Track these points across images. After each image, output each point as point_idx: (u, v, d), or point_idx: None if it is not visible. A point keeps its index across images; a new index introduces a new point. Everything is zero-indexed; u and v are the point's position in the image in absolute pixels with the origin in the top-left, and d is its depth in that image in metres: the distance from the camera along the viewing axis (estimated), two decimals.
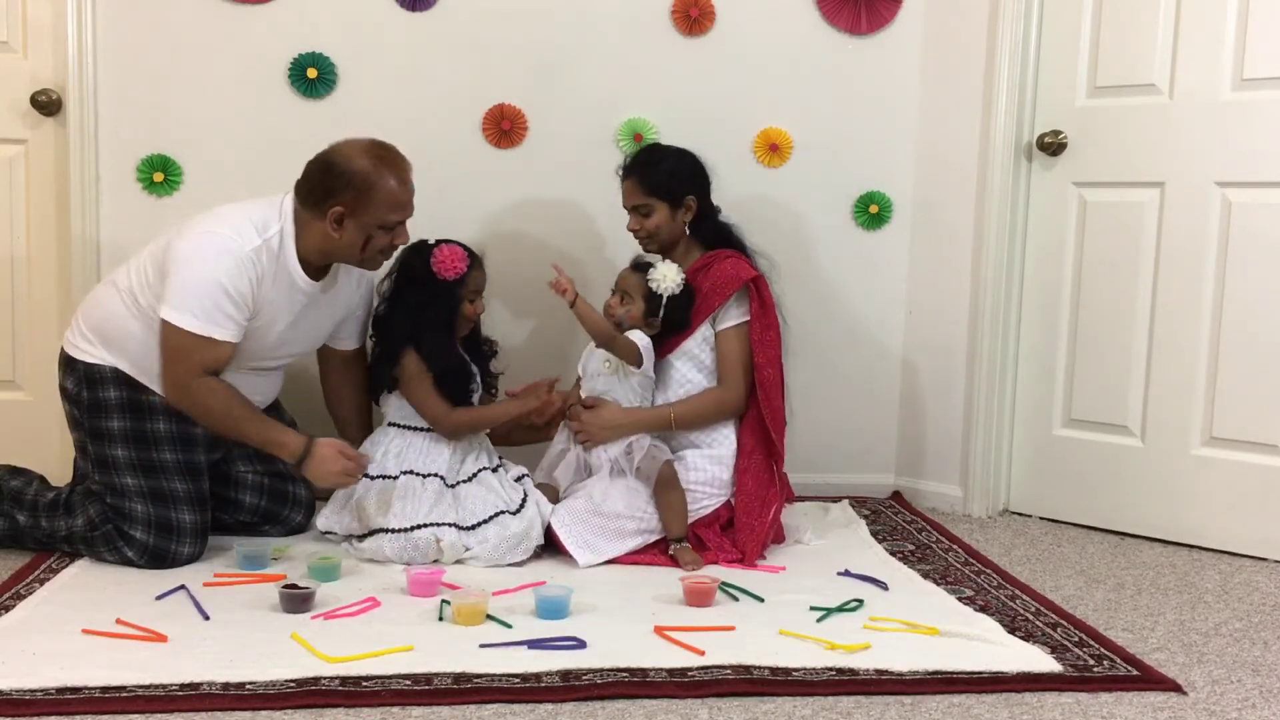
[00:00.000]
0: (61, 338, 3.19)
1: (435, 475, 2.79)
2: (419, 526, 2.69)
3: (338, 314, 2.84)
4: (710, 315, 2.88)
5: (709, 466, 2.87)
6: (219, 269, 2.52)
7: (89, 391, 2.66)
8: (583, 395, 2.90)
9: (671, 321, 2.85)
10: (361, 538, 2.74)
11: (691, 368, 2.90)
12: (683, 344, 2.89)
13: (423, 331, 2.81)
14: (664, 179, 2.89)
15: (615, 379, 2.86)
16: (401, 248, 2.75)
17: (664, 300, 2.80)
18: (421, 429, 2.86)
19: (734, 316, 2.88)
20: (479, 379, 2.95)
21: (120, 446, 2.64)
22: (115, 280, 2.71)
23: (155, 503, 2.62)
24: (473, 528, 2.72)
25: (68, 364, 2.71)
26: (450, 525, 2.71)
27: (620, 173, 2.97)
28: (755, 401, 2.88)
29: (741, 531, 2.82)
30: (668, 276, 2.79)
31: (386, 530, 2.70)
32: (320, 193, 2.59)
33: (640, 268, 2.84)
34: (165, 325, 2.54)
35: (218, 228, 2.57)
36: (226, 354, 2.58)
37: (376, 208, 2.60)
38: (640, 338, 2.83)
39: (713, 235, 2.97)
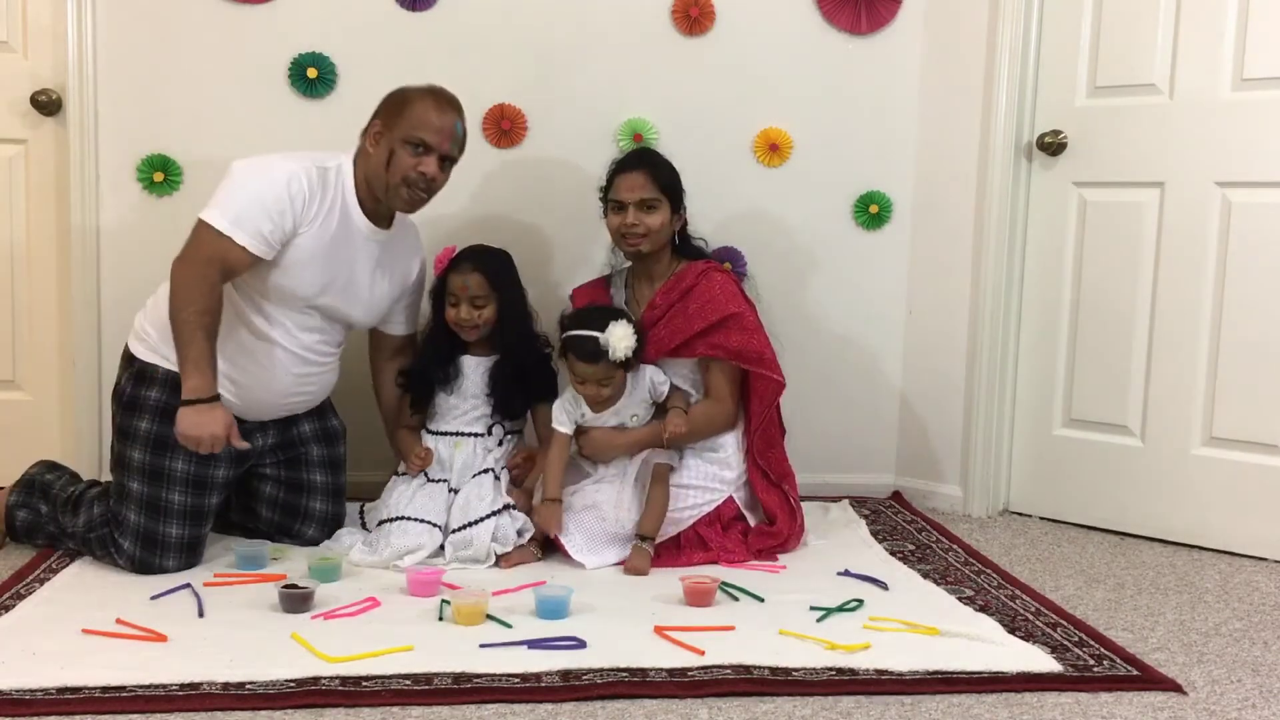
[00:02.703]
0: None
1: (438, 480, 2.81)
2: (418, 520, 2.72)
3: (393, 285, 2.80)
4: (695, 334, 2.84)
5: (708, 466, 2.87)
6: (261, 181, 2.56)
7: (132, 388, 2.65)
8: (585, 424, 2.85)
9: (638, 355, 2.78)
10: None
11: (674, 377, 2.89)
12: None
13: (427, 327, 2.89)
14: (673, 179, 2.88)
15: (627, 414, 2.84)
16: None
17: (630, 356, 2.72)
18: (430, 432, 2.89)
19: None
20: (488, 396, 2.87)
21: (139, 449, 2.61)
22: None
23: (148, 514, 2.59)
24: (465, 528, 2.71)
25: (127, 360, 2.70)
26: (441, 527, 2.73)
27: (617, 165, 2.90)
28: (753, 396, 2.90)
29: (783, 514, 2.87)
30: (619, 344, 2.69)
31: (382, 520, 2.75)
32: (371, 116, 2.69)
33: (591, 356, 2.70)
34: (198, 223, 2.54)
35: (274, 154, 2.65)
36: (239, 261, 2.52)
37: (404, 122, 2.65)
38: (653, 377, 2.83)
39: (688, 246, 2.98)
